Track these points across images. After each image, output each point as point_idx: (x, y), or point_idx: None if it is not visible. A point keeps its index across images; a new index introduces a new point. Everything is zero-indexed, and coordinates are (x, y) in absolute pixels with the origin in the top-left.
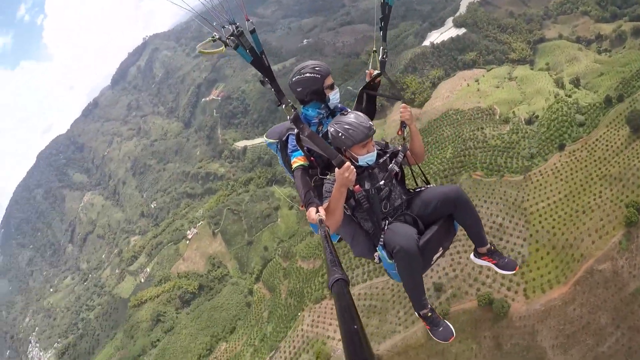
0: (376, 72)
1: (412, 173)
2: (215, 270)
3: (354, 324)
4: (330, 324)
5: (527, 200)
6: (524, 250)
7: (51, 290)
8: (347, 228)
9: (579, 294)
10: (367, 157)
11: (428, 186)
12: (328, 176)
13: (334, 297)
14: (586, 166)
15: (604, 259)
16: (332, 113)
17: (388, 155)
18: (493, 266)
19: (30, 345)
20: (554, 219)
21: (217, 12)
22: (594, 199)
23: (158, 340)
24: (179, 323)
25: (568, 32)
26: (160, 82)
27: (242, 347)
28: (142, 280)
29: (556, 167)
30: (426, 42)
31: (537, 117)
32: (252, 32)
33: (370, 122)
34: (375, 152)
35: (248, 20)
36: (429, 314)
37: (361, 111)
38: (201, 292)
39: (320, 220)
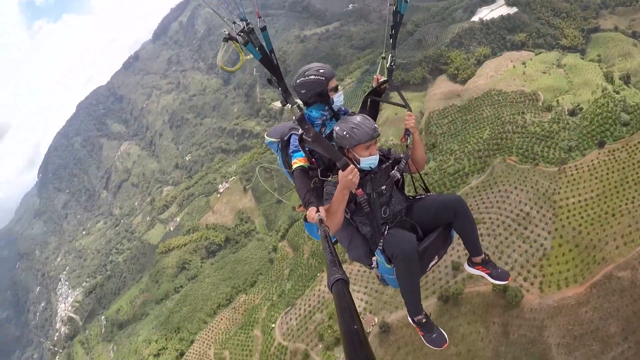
0: (383, 78)
1: (412, 180)
2: (243, 225)
3: (354, 324)
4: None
5: (558, 193)
6: (547, 243)
7: (83, 232)
8: (345, 232)
9: (593, 297)
10: (370, 160)
11: (428, 194)
12: (329, 178)
13: (334, 297)
14: (624, 168)
15: (624, 267)
16: (336, 115)
17: (390, 161)
18: (486, 276)
19: (60, 283)
20: (582, 217)
21: (230, 8)
22: (626, 203)
23: (181, 286)
24: (202, 272)
25: (625, 25)
26: (201, 39)
27: (260, 300)
28: (171, 229)
29: (593, 164)
30: (475, 18)
31: (581, 109)
32: (263, 29)
33: (375, 125)
34: (378, 155)
35: (260, 17)
36: (424, 320)
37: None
38: (227, 244)
39: (320, 220)
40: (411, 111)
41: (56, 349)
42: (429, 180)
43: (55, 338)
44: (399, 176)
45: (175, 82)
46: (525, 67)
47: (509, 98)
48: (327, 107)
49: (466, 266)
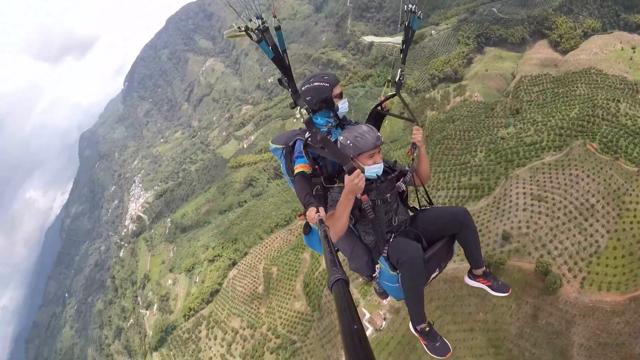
0: (390, 93)
1: (416, 193)
2: None
3: (354, 324)
4: None
5: (630, 194)
6: (603, 241)
7: (161, 140)
8: (347, 240)
9: (629, 311)
10: (374, 169)
11: (432, 206)
12: (334, 185)
13: (334, 297)
14: None
15: None
16: (341, 124)
17: (396, 173)
18: (487, 288)
19: (133, 184)
20: None
21: (247, 5)
22: None
23: (245, 201)
24: (267, 191)
25: None
26: None
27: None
28: (245, 146)
29: None
30: None
31: None
32: (277, 29)
33: (379, 134)
34: (382, 164)
35: (275, 17)
36: (427, 328)
37: None
38: None
39: (321, 220)
40: (419, 125)
41: (122, 243)
42: (504, 145)
43: (123, 233)
44: (404, 187)
45: (267, 4)
46: (634, 52)
47: (608, 81)
48: (332, 114)
49: (467, 279)
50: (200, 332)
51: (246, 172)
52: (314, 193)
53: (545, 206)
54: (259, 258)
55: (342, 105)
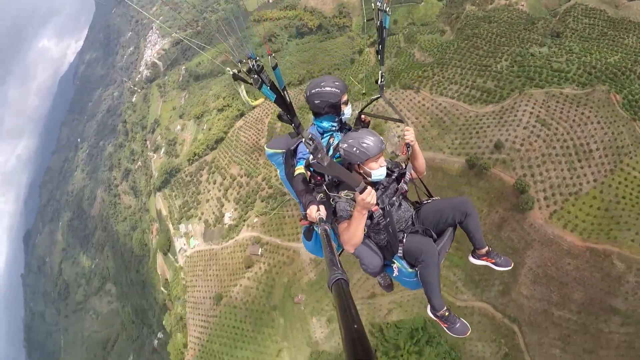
0: (374, 96)
1: (415, 188)
2: (340, 18)
3: (354, 324)
4: None
5: (631, 158)
6: (587, 186)
7: None
8: (360, 246)
9: (582, 259)
10: (380, 172)
11: (433, 198)
12: (341, 195)
13: (334, 296)
14: None
15: (625, 260)
16: (341, 128)
17: (396, 174)
18: (492, 265)
19: (151, 30)
20: (631, 193)
21: (236, 47)
22: None
23: (262, 56)
24: (286, 49)
25: None
26: None
27: None
28: (270, 1)
29: None
30: None
31: None
32: (274, 68)
33: (381, 137)
34: (386, 166)
35: (270, 54)
36: (447, 312)
37: None
38: (318, 31)
39: (321, 219)
40: (408, 125)
41: (136, 88)
42: (531, 62)
43: (137, 79)
44: (406, 188)
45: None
46: None
47: None
48: (337, 119)
49: (471, 258)
50: (201, 176)
51: (268, 26)
52: (315, 195)
53: (546, 132)
54: (266, 112)
55: (347, 111)
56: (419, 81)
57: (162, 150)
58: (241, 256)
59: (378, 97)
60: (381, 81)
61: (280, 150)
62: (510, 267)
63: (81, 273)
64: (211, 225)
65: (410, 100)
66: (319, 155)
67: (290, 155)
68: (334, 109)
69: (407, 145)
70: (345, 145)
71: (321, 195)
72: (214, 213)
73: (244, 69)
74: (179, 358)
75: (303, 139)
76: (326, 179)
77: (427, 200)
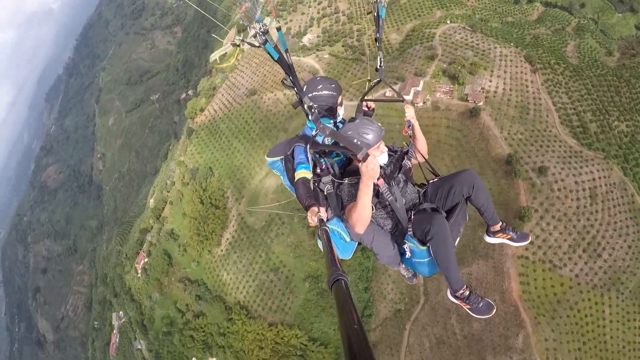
0: (376, 80)
1: (420, 168)
2: None
3: (354, 324)
4: None
5: None
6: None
7: None
8: (369, 229)
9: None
10: (382, 158)
11: (439, 177)
12: (345, 181)
13: (334, 296)
14: None
15: None
16: (336, 126)
17: (398, 154)
18: (508, 242)
19: None
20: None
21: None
22: None
23: None
24: None
25: None
26: None
27: None
28: None
29: None
30: None
31: None
32: (278, 29)
33: (379, 124)
34: (387, 151)
35: (275, 18)
36: (467, 292)
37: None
38: None
39: (321, 220)
40: (408, 103)
41: None
42: None
43: None
44: (410, 164)
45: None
46: None
47: None
48: (332, 121)
49: (486, 237)
50: None
51: None
52: (315, 196)
53: (589, 209)
54: None
55: (341, 112)
56: (545, 66)
57: None
58: None
59: (379, 81)
60: (380, 66)
61: (279, 157)
62: (528, 242)
63: (161, 4)
64: (290, 36)
65: (524, 73)
66: (320, 125)
67: (289, 160)
68: (331, 112)
69: (409, 122)
70: (345, 137)
71: (328, 186)
72: (299, 27)
73: (252, 33)
74: (192, 115)
75: (304, 105)
76: (330, 170)
77: (433, 179)
